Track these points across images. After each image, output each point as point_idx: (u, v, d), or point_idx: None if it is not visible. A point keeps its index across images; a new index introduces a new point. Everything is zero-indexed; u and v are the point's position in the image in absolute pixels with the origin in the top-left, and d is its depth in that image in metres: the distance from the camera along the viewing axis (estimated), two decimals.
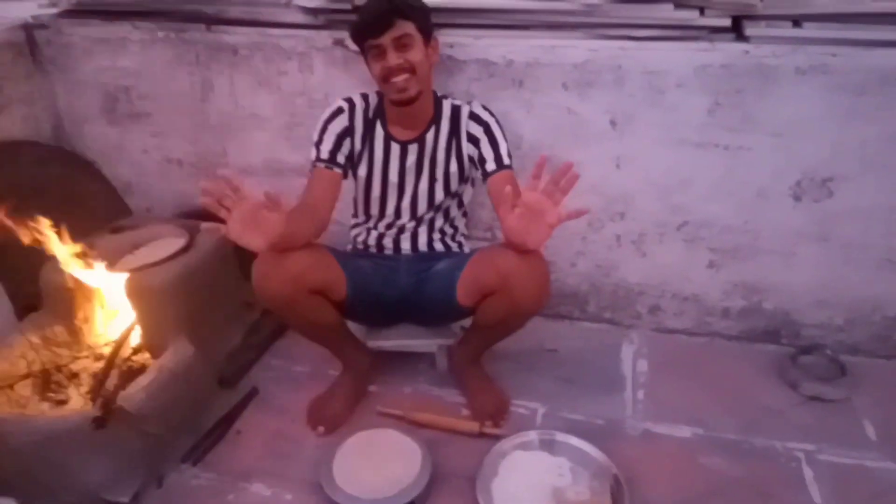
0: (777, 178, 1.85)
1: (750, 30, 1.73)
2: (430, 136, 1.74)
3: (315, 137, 1.74)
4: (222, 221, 1.32)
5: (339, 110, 1.75)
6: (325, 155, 1.72)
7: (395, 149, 1.76)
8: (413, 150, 1.76)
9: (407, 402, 1.86)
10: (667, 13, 1.75)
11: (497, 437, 1.69)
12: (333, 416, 1.80)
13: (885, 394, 1.87)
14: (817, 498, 1.56)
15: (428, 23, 1.64)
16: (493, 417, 1.78)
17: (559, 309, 2.21)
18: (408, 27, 1.58)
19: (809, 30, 1.70)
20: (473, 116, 1.72)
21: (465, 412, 1.84)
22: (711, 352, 2.07)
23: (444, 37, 1.87)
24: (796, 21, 1.71)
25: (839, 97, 1.71)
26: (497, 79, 1.90)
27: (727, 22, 1.74)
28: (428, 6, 1.66)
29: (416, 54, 1.60)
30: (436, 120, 1.74)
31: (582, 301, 2.19)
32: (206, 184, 1.28)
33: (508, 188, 1.37)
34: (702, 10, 1.74)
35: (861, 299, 1.96)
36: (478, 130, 1.71)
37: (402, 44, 1.58)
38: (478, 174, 1.73)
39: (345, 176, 1.77)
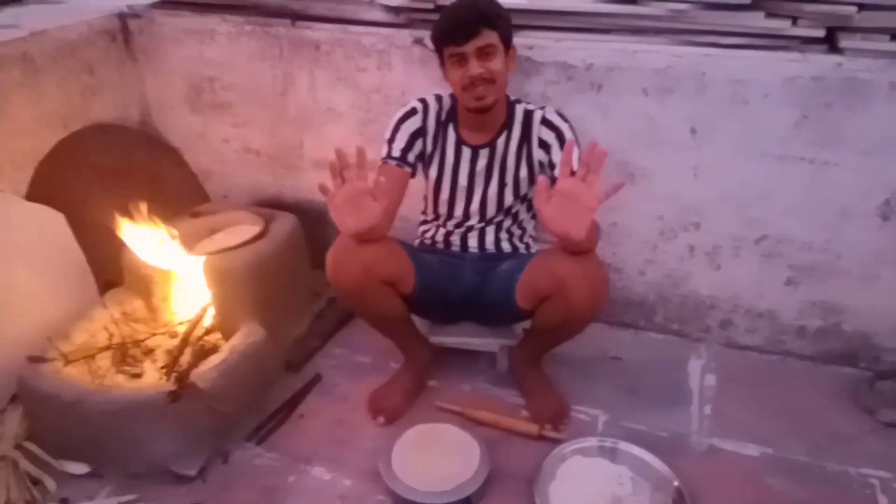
0: (863, 196, 1.78)
1: (844, 42, 1.67)
2: (501, 141, 1.74)
3: (387, 135, 1.76)
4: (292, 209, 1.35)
5: (413, 111, 1.76)
6: (396, 153, 1.74)
7: (467, 153, 1.77)
8: (484, 154, 1.76)
9: (466, 399, 1.87)
10: (757, 21, 1.70)
11: (556, 442, 1.68)
12: (393, 408, 1.82)
13: None
14: None
15: (510, 32, 1.64)
16: (553, 421, 1.77)
17: (624, 317, 2.17)
18: (492, 37, 1.57)
19: None
20: (546, 122, 1.71)
21: (524, 414, 1.83)
22: (784, 371, 2.00)
23: (524, 38, 1.87)
24: (895, 34, 1.65)
25: None
26: (575, 82, 1.89)
27: (821, 33, 1.68)
28: (508, 14, 1.64)
29: (497, 64, 1.59)
30: (508, 125, 1.74)
31: (649, 311, 2.15)
32: (340, 150, 1.38)
33: (541, 178, 1.37)
34: (794, 20, 1.69)
35: None
36: (550, 136, 1.70)
37: (485, 53, 1.58)
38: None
39: (413, 175, 1.79)
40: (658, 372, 2.00)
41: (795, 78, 1.70)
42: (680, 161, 1.90)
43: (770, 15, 1.70)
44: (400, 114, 1.77)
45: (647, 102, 1.85)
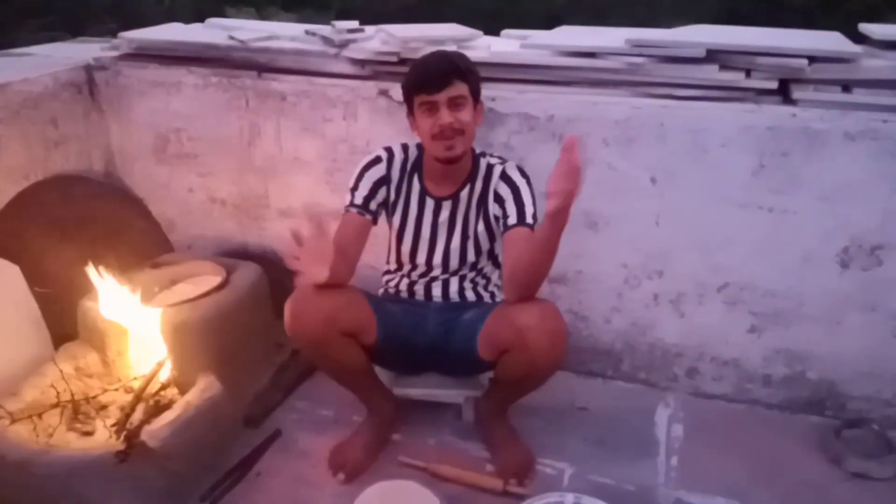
0: (823, 243, 1.80)
1: (797, 93, 1.71)
2: (464, 193, 1.74)
3: (351, 183, 1.75)
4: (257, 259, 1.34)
5: (378, 159, 1.76)
6: (358, 200, 1.73)
7: (430, 204, 1.76)
8: (447, 206, 1.76)
9: (431, 453, 1.82)
10: (712, 74, 1.75)
11: (521, 497, 1.63)
12: (355, 463, 1.77)
13: None
14: None
15: (479, 86, 1.65)
16: (518, 475, 1.73)
17: (592, 366, 2.15)
18: (463, 88, 1.59)
19: (859, 95, 1.67)
20: (504, 177, 1.70)
21: (490, 468, 1.78)
22: (751, 420, 1.98)
23: (487, 90, 1.88)
24: (846, 86, 1.69)
25: (890, 163, 1.67)
26: (537, 132, 1.91)
27: (774, 85, 1.73)
28: (478, 71, 1.67)
29: (467, 115, 1.61)
30: (472, 178, 1.74)
31: (616, 359, 2.13)
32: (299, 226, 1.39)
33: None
34: (748, 72, 1.74)
35: None
36: (505, 191, 1.69)
37: (455, 103, 1.59)
38: (501, 229, 1.72)
39: (374, 222, 1.77)
40: (625, 422, 1.97)
41: (751, 127, 1.74)
42: (642, 209, 1.91)
43: (724, 67, 1.75)
44: (364, 162, 1.77)
45: (609, 152, 1.87)
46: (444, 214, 1.76)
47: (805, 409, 1.99)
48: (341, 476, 1.74)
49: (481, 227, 1.75)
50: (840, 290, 1.83)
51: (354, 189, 1.74)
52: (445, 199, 1.75)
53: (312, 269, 1.44)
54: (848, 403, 1.94)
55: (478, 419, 1.89)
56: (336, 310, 1.57)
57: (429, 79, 1.59)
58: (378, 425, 1.84)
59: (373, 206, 1.75)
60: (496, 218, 1.72)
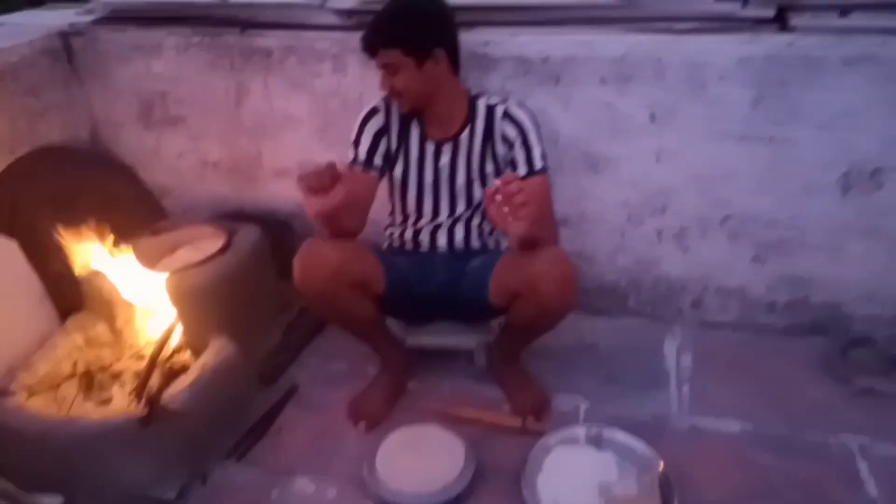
0: (824, 170, 1.82)
1: (795, 20, 1.70)
2: (464, 136, 1.73)
3: (353, 136, 1.74)
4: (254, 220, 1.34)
5: (375, 110, 1.75)
6: (362, 156, 1.73)
7: (430, 147, 1.75)
8: (447, 149, 1.75)
9: (447, 398, 1.85)
10: (708, 6, 1.73)
11: (540, 434, 1.67)
12: (374, 413, 1.80)
13: None
14: (873, 492, 1.53)
15: (419, 44, 1.57)
16: (535, 414, 1.76)
17: (598, 304, 2.17)
18: (392, 55, 1.56)
19: (857, 19, 1.67)
20: (508, 116, 1.69)
21: (506, 408, 1.82)
22: (757, 346, 2.03)
23: (479, 35, 1.87)
24: (843, 10, 1.68)
25: (889, 87, 1.68)
26: (533, 76, 1.89)
27: (771, 13, 1.72)
28: (422, 25, 1.58)
29: (401, 79, 1.59)
30: (470, 120, 1.72)
31: (621, 297, 2.16)
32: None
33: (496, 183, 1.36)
34: (745, 2, 1.72)
35: None
36: (512, 133, 1.68)
37: (389, 69, 1.59)
38: None
39: (381, 177, 1.77)
40: (635, 356, 2.01)
41: (749, 58, 1.73)
42: (642, 147, 1.91)
43: None
44: (363, 114, 1.76)
45: (607, 91, 1.86)
46: (446, 158, 1.75)
47: (809, 332, 2.03)
48: (362, 426, 1.77)
49: (490, 168, 1.74)
50: (841, 216, 1.86)
51: (357, 143, 1.74)
52: (445, 142, 1.74)
53: (321, 197, 1.43)
54: (851, 324, 1.99)
55: (490, 363, 1.91)
56: (344, 262, 1.57)
57: (363, 47, 1.61)
58: (393, 375, 1.86)
59: (377, 160, 1.74)
60: (505, 160, 1.72)
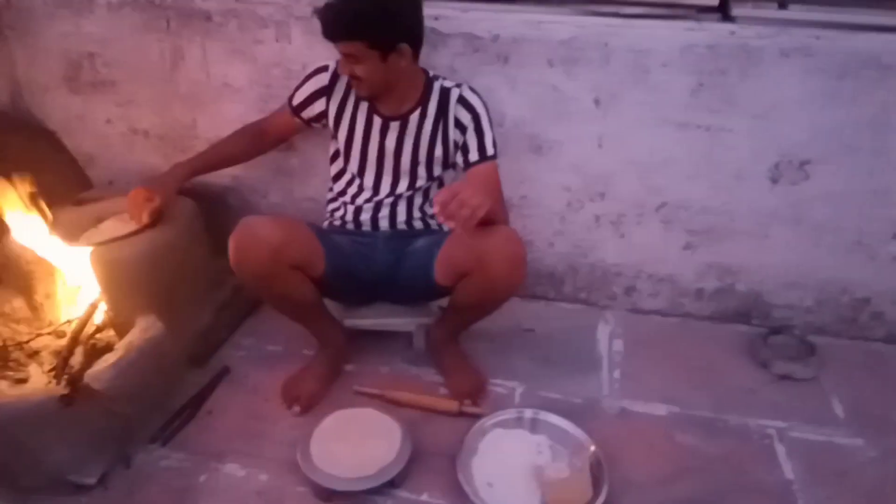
0: (755, 159, 1.87)
1: (736, 10, 1.74)
2: (414, 116, 1.70)
3: (297, 84, 1.79)
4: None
5: (324, 68, 1.75)
6: (294, 102, 1.80)
7: (377, 122, 1.72)
8: (395, 127, 1.72)
9: (385, 381, 1.83)
10: None
11: (476, 417, 1.68)
12: (309, 395, 1.76)
13: (852, 373, 1.92)
14: (789, 473, 1.60)
15: (384, 37, 1.53)
16: (472, 396, 1.77)
17: (535, 289, 2.20)
18: (353, 47, 1.53)
19: (795, 11, 1.72)
20: (462, 101, 1.68)
21: (444, 392, 1.82)
22: (685, 332, 2.10)
23: (430, 9, 1.82)
24: (782, 3, 1.73)
25: (820, 80, 1.74)
26: (482, 54, 1.87)
27: (715, 2, 1.75)
28: (390, 19, 1.52)
29: (363, 69, 1.56)
30: (423, 101, 1.69)
31: (558, 281, 2.19)
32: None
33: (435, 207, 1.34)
34: None
35: (830, 281, 2.01)
36: (466, 118, 1.67)
37: (350, 58, 1.55)
38: (460, 160, 1.71)
39: (305, 127, 1.84)
40: (569, 341, 2.04)
41: (692, 46, 1.76)
42: (586, 132, 1.93)
43: None
44: (313, 68, 1.77)
45: (553, 73, 1.86)
46: (392, 136, 1.72)
47: (734, 319, 2.12)
48: (296, 409, 1.74)
49: (439, 151, 1.72)
50: (769, 205, 1.92)
51: (296, 90, 1.80)
52: (394, 119, 1.71)
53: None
54: (772, 312, 2.08)
55: (429, 346, 1.91)
56: (282, 243, 1.53)
57: (323, 30, 1.55)
58: (330, 357, 1.83)
59: (305, 114, 1.78)
60: (456, 144, 1.70)
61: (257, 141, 1.90)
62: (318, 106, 1.76)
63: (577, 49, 1.81)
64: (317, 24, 1.89)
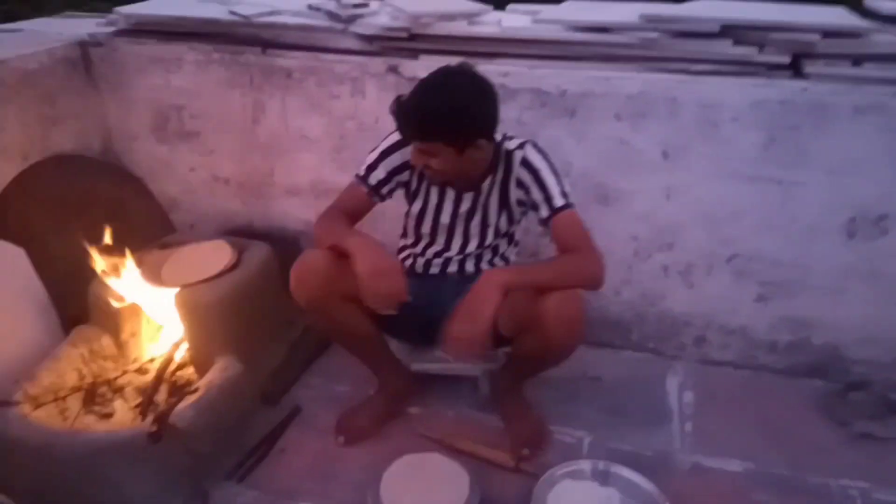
0: (830, 214, 1.85)
1: (809, 67, 1.74)
2: (486, 184, 1.70)
3: (370, 160, 1.70)
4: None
5: (401, 144, 1.66)
6: (372, 181, 1.70)
7: (451, 194, 1.73)
8: (468, 197, 1.72)
9: (449, 425, 1.85)
10: (725, 49, 1.77)
11: (533, 476, 1.64)
12: (357, 430, 1.81)
13: None
14: None
15: (462, 136, 1.50)
16: (530, 444, 1.76)
17: (602, 336, 2.19)
18: (434, 147, 1.51)
19: (869, 69, 1.71)
20: (524, 163, 1.64)
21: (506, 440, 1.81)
22: (758, 385, 2.05)
23: (498, 66, 1.90)
24: (856, 60, 1.73)
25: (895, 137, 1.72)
26: (549, 108, 1.92)
27: (786, 59, 1.75)
28: (469, 123, 1.50)
29: (440, 162, 1.53)
30: (493, 168, 1.68)
31: (625, 330, 2.18)
32: None
33: None
34: (761, 47, 1.76)
35: None
36: (527, 178, 1.64)
37: (427, 152, 1.53)
38: (529, 217, 1.71)
39: (381, 201, 1.75)
40: (637, 391, 2.02)
41: (763, 102, 1.77)
42: (653, 183, 1.94)
43: (737, 42, 1.77)
44: (388, 143, 1.68)
45: (621, 127, 1.89)
46: (466, 205, 1.73)
47: (809, 373, 2.06)
48: (341, 439, 1.79)
49: (505, 213, 1.73)
50: (845, 260, 1.89)
51: (371, 168, 1.70)
52: (467, 191, 1.71)
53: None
54: (850, 367, 2.02)
55: (494, 392, 1.91)
56: (334, 273, 1.56)
57: (399, 129, 1.55)
58: (388, 396, 1.87)
59: (384, 191, 1.72)
60: (519, 202, 1.70)
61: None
62: (396, 181, 1.72)
63: (645, 103, 1.84)
64: (389, 81, 2.00)
